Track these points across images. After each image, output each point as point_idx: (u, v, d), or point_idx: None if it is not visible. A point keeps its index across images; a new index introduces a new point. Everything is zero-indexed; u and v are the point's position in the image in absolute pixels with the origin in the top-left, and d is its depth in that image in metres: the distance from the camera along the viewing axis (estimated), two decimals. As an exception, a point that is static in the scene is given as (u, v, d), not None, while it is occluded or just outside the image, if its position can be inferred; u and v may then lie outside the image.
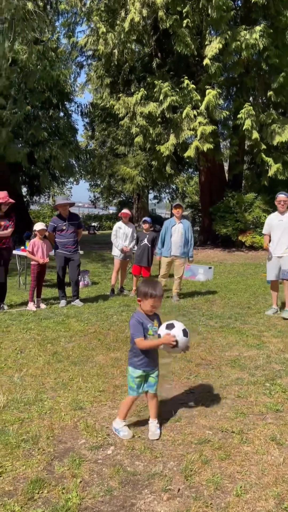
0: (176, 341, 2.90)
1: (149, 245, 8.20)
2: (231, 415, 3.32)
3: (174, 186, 35.91)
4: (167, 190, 35.05)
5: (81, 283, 9.13)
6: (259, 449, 2.83)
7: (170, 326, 2.99)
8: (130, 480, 2.57)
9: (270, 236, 6.91)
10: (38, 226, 7.09)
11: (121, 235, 8.45)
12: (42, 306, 7.10)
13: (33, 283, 6.99)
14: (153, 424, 3.13)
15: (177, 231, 7.68)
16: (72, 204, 7.66)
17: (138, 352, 3.04)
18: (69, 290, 7.62)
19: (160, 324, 3.09)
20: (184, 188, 35.37)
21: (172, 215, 8.12)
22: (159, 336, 2.98)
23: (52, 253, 7.52)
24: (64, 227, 7.24)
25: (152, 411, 3.17)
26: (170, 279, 8.32)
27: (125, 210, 8.74)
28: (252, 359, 4.63)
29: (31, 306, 6.90)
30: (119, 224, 8.67)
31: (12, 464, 2.69)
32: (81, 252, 9.04)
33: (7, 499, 2.35)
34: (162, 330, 2.98)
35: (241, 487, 2.45)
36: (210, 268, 10.84)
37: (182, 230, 7.67)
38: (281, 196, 6.75)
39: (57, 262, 7.34)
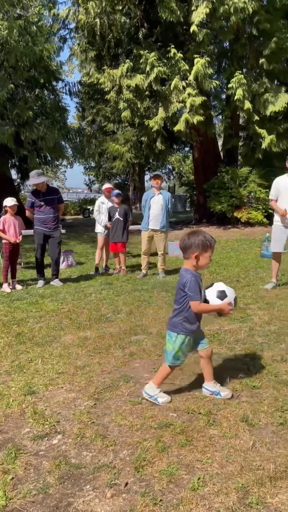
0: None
1: (122, 219, 7.67)
2: (200, 394, 2.91)
3: (170, 166, 35.30)
4: (163, 171, 34.37)
5: (64, 263, 8.73)
6: (226, 432, 2.43)
7: (222, 295, 2.72)
8: (72, 474, 2.18)
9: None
10: (9, 201, 6.59)
11: (104, 211, 7.99)
12: (18, 287, 6.69)
13: (6, 263, 6.57)
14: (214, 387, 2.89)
15: (157, 202, 7.17)
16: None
17: (191, 317, 2.75)
18: (49, 271, 7.21)
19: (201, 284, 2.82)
20: (181, 168, 34.75)
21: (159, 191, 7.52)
22: (205, 300, 2.75)
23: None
24: (43, 203, 6.76)
25: (207, 372, 2.90)
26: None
27: (107, 185, 8.26)
28: (233, 332, 4.21)
29: (5, 288, 6.49)
30: (102, 199, 8.20)
31: None
32: (63, 231, 8.61)
33: None
34: (212, 297, 2.73)
35: (199, 478, 2.05)
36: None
37: (162, 202, 7.15)
38: None
39: (36, 240, 6.89)
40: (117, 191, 7.89)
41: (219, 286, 2.79)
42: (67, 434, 2.55)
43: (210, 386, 2.89)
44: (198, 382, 3.09)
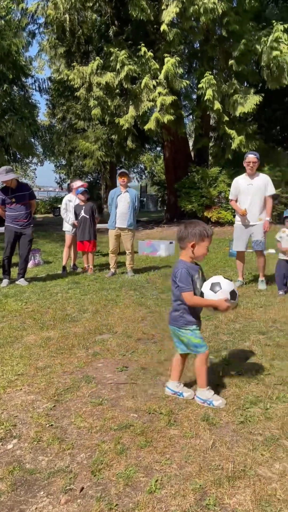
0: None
1: (88, 217, 7.55)
2: (163, 394, 2.86)
3: (142, 166, 35.26)
4: (135, 170, 34.31)
5: (31, 262, 8.53)
6: (187, 432, 2.39)
7: (215, 286, 2.58)
8: (26, 480, 2.09)
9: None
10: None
11: (71, 209, 7.85)
12: (-19, 286, 6.48)
13: None
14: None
15: (124, 200, 7.09)
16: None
17: (190, 308, 2.67)
18: (16, 270, 7.02)
19: (203, 276, 2.75)
20: (152, 168, 34.76)
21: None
22: (201, 294, 2.64)
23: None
24: (13, 200, 6.55)
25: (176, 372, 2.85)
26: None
27: (78, 182, 8.12)
28: (198, 331, 4.18)
29: None
30: (69, 197, 8.06)
31: None
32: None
33: None
34: (206, 288, 2.62)
35: (157, 480, 2.00)
36: (171, 243, 10.39)
37: (129, 199, 7.07)
38: (250, 157, 5.87)
39: (6, 237, 6.66)
40: (82, 188, 7.76)
41: (215, 278, 2.67)
42: (23, 438, 2.45)
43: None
44: (163, 381, 3.04)
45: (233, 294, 2.59)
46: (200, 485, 1.94)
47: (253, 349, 3.67)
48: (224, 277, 2.68)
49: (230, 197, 6.25)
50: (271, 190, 5.95)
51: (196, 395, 2.77)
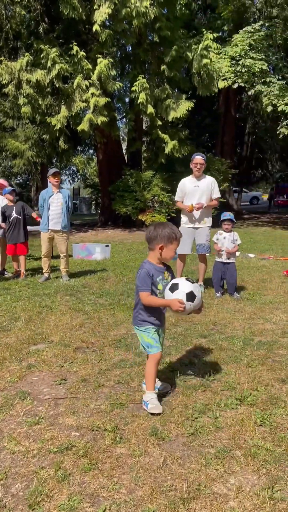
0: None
1: (20, 217, 7.14)
2: (107, 407, 2.65)
3: (74, 168, 34.72)
4: (67, 172, 33.65)
5: None
6: (135, 449, 2.20)
7: (174, 287, 2.49)
8: None
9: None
10: None
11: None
12: None
13: None
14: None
15: (56, 201, 6.77)
16: None
17: (147, 308, 2.66)
18: None
19: (172, 277, 2.73)
20: (85, 170, 34.38)
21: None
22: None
23: None
24: None
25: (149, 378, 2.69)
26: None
27: (0, 180, 7.64)
28: (140, 337, 4.03)
29: None
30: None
31: None
32: None
33: None
34: (166, 290, 2.59)
35: (104, 510, 1.78)
36: (107, 246, 10.18)
37: (62, 200, 6.77)
38: (198, 158, 5.75)
39: None
40: (10, 188, 7.31)
41: (177, 279, 2.63)
42: None
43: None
44: (106, 393, 2.83)
45: (190, 295, 2.50)
46: (153, 511, 1.76)
47: (197, 353, 3.58)
48: (187, 279, 2.61)
49: (176, 199, 6.11)
50: (217, 194, 5.96)
51: (143, 397, 2.69)
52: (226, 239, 5.69)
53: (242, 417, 2.47)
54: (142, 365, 3.30)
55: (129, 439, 2.29)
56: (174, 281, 2.60)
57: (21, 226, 7.11)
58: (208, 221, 5.97)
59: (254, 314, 4.78)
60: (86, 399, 2.77)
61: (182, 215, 6.10)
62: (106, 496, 1.87)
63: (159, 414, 2.53)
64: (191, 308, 2.55)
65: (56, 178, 6.78)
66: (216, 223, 6.47)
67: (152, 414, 2.53)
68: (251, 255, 9.52)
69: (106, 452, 2.19)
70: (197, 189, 5.84)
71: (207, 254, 6.09)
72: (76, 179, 37.45)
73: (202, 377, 3.06)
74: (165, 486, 1.90)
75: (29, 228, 7.56)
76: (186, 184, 5.95)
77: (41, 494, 1.90)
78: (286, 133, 14.27)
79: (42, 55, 13.32)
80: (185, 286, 2.52)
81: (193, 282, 2.58)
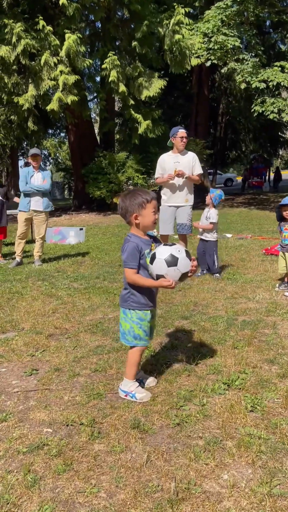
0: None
1: (4, 200, 6.82)
2: (82, 399, 2.40)
3: (46, 152, 33.79)
4: (38, 156, 32.67)
5: None
6: (115, 445, 1.96)
7: (153, 257, 2.24)
8: None
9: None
10: None
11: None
12: None
13: None
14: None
15: (37, 181, 6.42)
16: None
17: (137, 288, 2.34)
18: None
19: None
20: (57, 154, 33.50)
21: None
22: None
23: None
24: None
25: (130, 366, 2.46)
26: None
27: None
28: (118, 320, 3.78)
29: None
30: None
31: None
32: None
33: None
34: (148, 263, 2.29)
35: (81, 519, 1.54)
36: (81, 229, 9.83)
37: (42, 180, 6.43)
38: (182, 131, 5.34)
39: None
40: None
41: (155, 248, 2.29)
42: None
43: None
44: (82, 382, 2.58)
45: (171, 259, 2.18)
46: (138, 517, 1.53)
47: (179, 336, 3.37)
48: (165, 244, 2.29)
49: (156, 176, 5.72)
50: (199, 169, 5.63)
51: (119, 387, 2.44)
52: (203, 215, 5.52)
53: (231, 403, 2.26)
54: (120, 351, 3.06)
55: (108, 434, 2.05)
56: (153, 251, 2.30)
57: (4, 210, 6.80)
58: (190, 199, 5.65)
59: (235, 293, 4.60)
60: (60, 391, 2.52)
61: (162, 194, 5.76)
62: (83, 502, 1.63)
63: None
64: (180, 273, 2.21)
65: (35, 161, 6.44)
66: (196, 204, 6.23)
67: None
68: (228, 235, 9.38)
69: (82, 450, 1.94)
70: (178, 165, 5.41)
71: (188, 235, 5.85)
72: (48, 163, 36.47)
73: (186, 361, 2.84)
74: (150, 486, 1.68)
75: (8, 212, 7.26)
76: (166, 160, 5.55)
77: (8, 503, 1.64)
78: (260, 111, 14.08)
79: (6, 30, 12.59)
80: (162, 252, 2.22)
81: (171, 246, 2.26)
